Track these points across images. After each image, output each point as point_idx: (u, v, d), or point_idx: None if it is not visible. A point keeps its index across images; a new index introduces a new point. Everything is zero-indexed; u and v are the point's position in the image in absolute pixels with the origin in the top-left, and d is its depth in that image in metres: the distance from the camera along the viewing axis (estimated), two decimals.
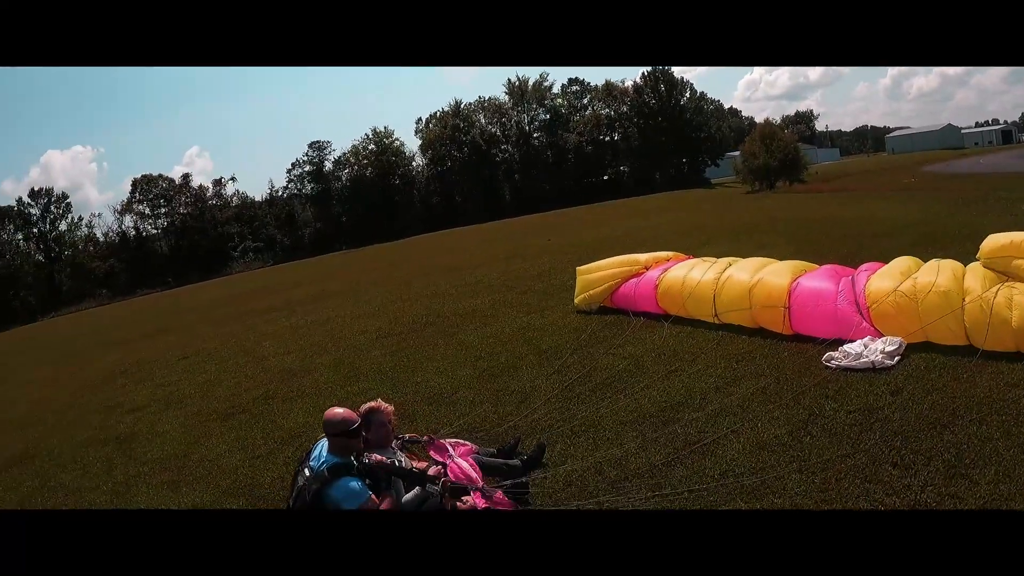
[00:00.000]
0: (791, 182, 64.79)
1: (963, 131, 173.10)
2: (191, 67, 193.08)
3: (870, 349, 9.48)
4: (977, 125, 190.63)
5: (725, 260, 13.48)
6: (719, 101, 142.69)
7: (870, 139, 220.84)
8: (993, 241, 9.70)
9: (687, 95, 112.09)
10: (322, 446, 6.88)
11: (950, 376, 8.56)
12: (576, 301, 15.72)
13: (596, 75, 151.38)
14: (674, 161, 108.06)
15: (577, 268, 16.53)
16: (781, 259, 12.87)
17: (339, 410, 6.97)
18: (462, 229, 74.17)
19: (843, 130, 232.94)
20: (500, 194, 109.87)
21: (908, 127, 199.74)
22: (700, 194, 72.60)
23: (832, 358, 9.62)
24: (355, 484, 6.50)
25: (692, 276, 12.86)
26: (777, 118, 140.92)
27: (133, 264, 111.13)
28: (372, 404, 7.45)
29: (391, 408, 7.57)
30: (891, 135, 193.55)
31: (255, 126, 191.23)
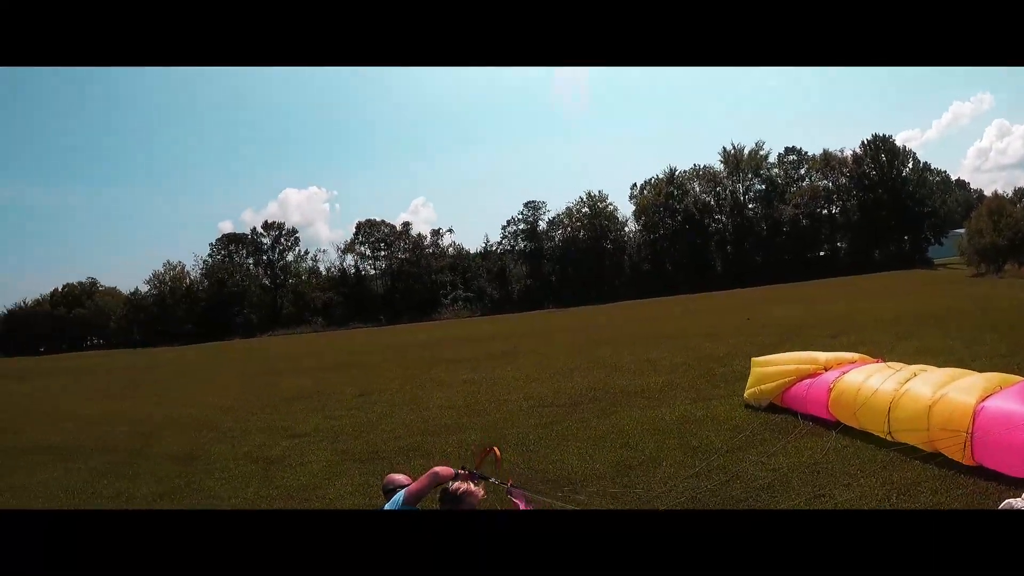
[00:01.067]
0: (1022, 265, 59.74)
1: None
2: (426, 120, 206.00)
3: None
4: None
5: (912, 368, 12.02)
6: (945, 172, 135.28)
7: None
8: None
9: (909, 165, 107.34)
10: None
11: None
12: (745, 395, 14.62)
13: (814, 144, 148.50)
14: (894, 238, 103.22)
15: (753, 359, 15.39)
16: (990, 360, 11.48)
17: (398, 476, 7.97)
18: (666, 299, 73.35)
19: None
20: (711, 265, 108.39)
21: None
22: (918, 276, 68.93)
23: (1012, 507, 7.71)
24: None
25: (869, 384, 11.45)
26: (1009, 190, 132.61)
27: (349, 299, 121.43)
28: (468, 488, 7.15)
29: (481, 495, 7.24)
30: None
31: (477, 182, 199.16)
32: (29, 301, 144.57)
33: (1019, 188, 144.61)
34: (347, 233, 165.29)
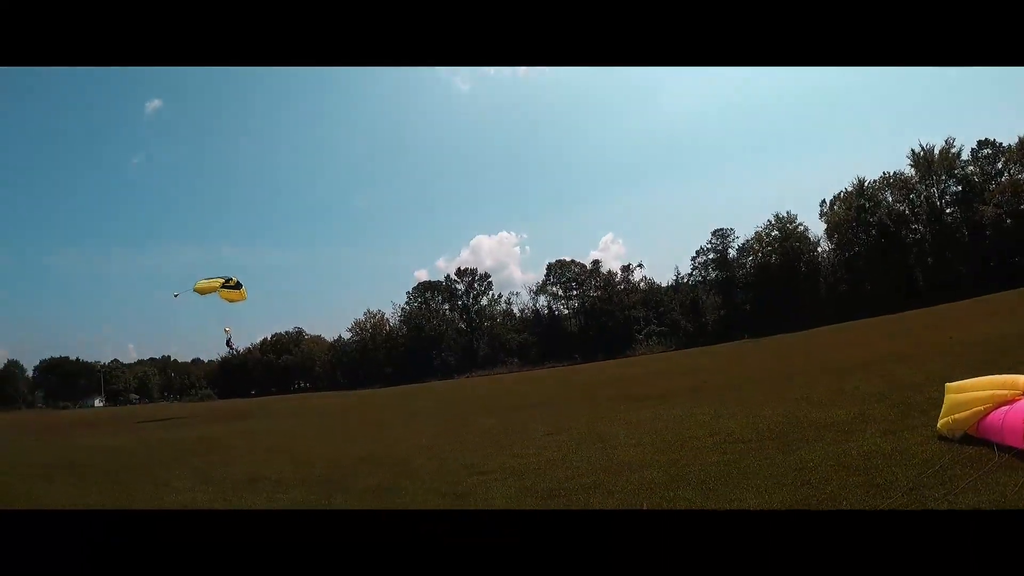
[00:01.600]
0: None
1: None
2: (610, 158, 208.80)
3: None
4: None
5: None
6: None
7: None
8: None
9: None
10: None
11: None
12: (938, 425, 13.75)
13: (1009, 133, 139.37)
14: None
15: (947, 385, 14.38)
16: None
17: None
18: (865, 321, 70.60)
19: None
20: (912, 279, 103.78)
21: None
22: None
23: None
24: None
25: None
26: None
27: (544, 339, 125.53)
28: None
29: None
30: None
31: (664, 214, 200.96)
32: (241, 349, 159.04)
33: None
34: (538, 275, 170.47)
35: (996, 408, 12.49)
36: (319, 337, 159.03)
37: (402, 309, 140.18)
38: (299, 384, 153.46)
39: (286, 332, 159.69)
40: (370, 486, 16.87)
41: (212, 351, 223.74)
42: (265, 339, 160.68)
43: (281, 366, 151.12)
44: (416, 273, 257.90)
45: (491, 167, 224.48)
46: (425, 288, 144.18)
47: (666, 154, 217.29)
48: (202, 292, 58.92)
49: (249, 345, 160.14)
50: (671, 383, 35.31)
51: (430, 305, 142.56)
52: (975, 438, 12.80)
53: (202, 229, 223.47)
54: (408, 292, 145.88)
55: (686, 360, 55.58)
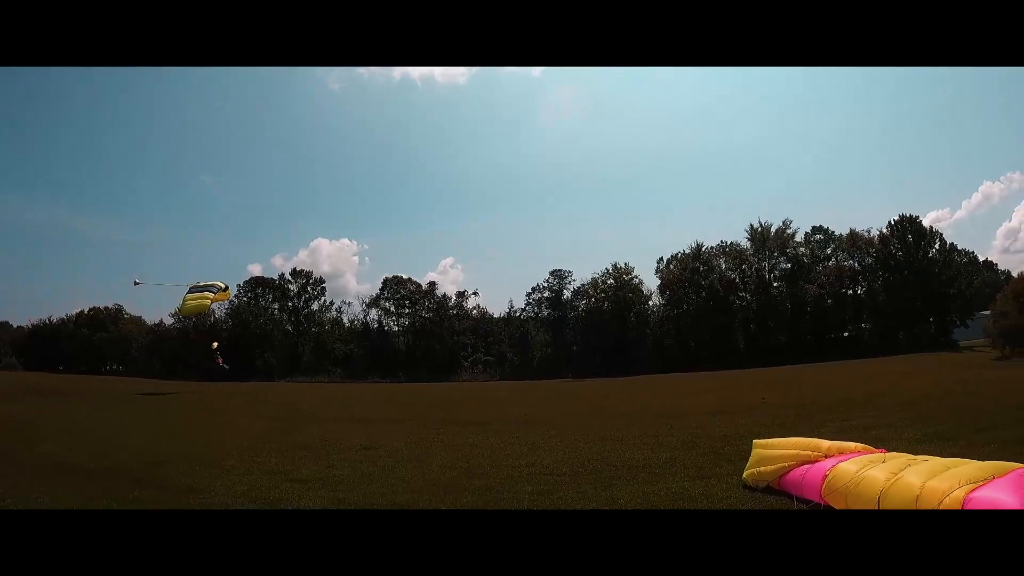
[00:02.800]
0: None
1: None
2: (461, 183, 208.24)
3: None
4: None
5: (909, 458, 12.13)
6: (973, 253, 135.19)
7: None
8: None
9: (936, 246, 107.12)
10: None
11: None
12: (744, 475, 14.53)
13: (840, 223, 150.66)
14: (920, 320, 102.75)
15: (755, 441, 15.36)
16: (1001, 446, 11.43)
17: None
18: (687, 375, 72.84)
19: None
20: (734, 342, 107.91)
21: None
22: (942, 359, 68.01)
23: None
24: None
25: (863, 472, 11.50)
26: None
27: (370, 353, 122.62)
28: None
29: None
30: None
31: (508, 247, 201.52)
32: (55, 319, 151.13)
33: None
34: (374, 288, 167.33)
35: (799, 466, 13.33)
36: (139, 319, 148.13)
37: (231, 302, 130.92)
38: (112, 366, 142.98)
39: (105, 308, 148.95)
40: (179, 485, 16.15)
41: (22, 316, 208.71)
42: (82, 312, 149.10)
43: (95, 343, 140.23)
44: (250, 267, 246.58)
45: (345, 170, 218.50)
46: (257, 284, 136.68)
47: (521, 188, 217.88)
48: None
49: (64, 316, 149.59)
50: (493, 411, 35.51)
51: (260, 302, 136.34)
52: (776, 490, 13.57)
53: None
54: (239, 285, 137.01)
55: (510, 391, 55.92)
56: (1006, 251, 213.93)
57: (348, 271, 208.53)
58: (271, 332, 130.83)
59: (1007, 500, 9.07)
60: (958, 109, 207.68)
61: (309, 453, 21.21)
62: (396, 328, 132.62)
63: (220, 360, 58.68)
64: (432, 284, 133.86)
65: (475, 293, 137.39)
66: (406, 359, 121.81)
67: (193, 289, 56.62)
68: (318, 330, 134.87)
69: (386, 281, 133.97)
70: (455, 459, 19.34)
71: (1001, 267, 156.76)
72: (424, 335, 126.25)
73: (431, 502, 13.75)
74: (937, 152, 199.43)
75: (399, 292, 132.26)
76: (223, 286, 57.39)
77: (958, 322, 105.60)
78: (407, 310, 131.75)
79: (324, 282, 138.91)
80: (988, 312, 75.58)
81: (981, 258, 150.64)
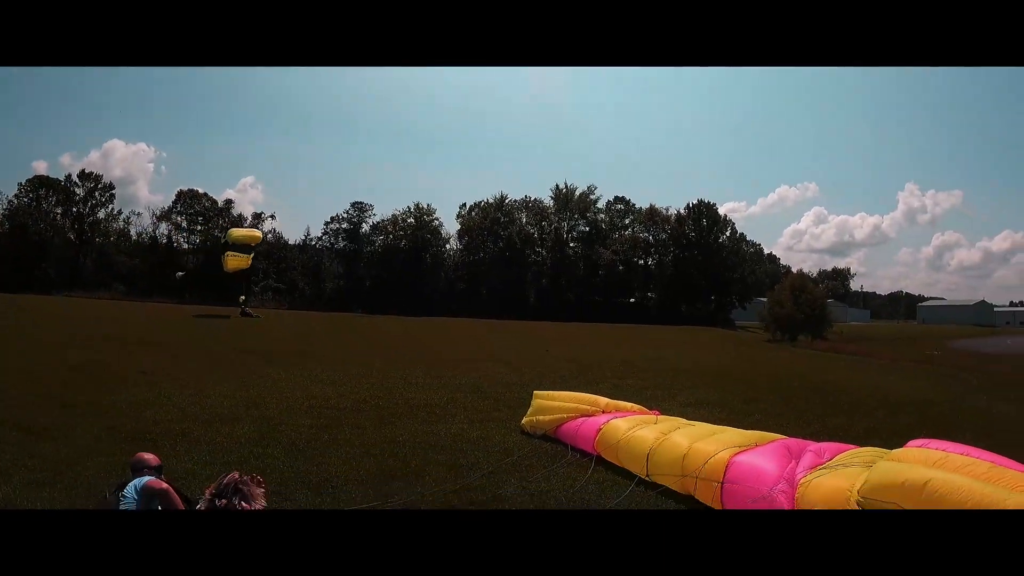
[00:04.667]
0: (814, 337, 63.86)
1: (996, 309, 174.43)
2: (274, 100, 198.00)
3: None
4: (1011, 304, 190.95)
5: (680, 421, 12.71)
6: (760, 245, 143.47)
7: (903, 306, 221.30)
8: (882, 476, 8.11)
9: (727, 233, 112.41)
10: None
11: None
12: (523, 422, 14.87)
13: (642, 198, 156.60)
14: (702, 297, 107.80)
15: (535, 392, 15.74)
16: (763, 416, 12.09)
17: (147, 456, 8.02)
18: (476, 321, 73.34)
19: (878, 292, 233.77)
20: (526, 295, 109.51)
21: (943, 299, 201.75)
22: (718, 334, 72.10)
23: None
24: None
25: (634, 430, 11.94)
26: (814, 272, 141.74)
27: (156, 270, 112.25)
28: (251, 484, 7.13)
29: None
30: (924, 304, 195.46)
31: (309, 173, 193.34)
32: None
33: (823, 271, 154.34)
34: (167, 200, 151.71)
35: (576, 418, 13.72)
36: None
37: (9, 202, 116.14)
38: None
39: None
40: None
41: None
42: None
43: None
44: (35, 164, 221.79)
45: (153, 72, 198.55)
46: (40, 184, 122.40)
47: (336, 117, 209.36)
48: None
49: None
50: (279, 343, 34.23)
51: (42, 205, 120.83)
52: (552, 438, 13.89)
53: None
54: (20, 183, 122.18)
55: (298, 322, 54.60)
56: (789, 249, 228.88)
57: (141, 178, 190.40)
58: (52, 240, 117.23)
59: (766, 466, 9.59)
60: (776, 113, 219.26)
61: (83, 376, 19.60)
62: (187, 246, 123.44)
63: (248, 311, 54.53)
64: (229, 202, 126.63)
65: (272, 216, 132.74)
66: (194, 279, 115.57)
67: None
68: (103, 241, 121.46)
69: (180, 194, 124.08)
70: (235, 389, 18.60)
71: (783, 262, 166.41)
72: (215, 256, 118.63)
73: (207, 433, 13.20)
74: (746, 151, 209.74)
75: (193, 207, 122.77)
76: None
77: (737, 304, 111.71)
78: (199, 227, 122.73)
79: (114, 188, 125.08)
80: (765, 299, 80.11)
81: (766, 251, 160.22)
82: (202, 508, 6.89)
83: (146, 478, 7.30)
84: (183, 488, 7.77)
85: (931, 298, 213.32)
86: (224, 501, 6.86)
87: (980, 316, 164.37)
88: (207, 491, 7.04)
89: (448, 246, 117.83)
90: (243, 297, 55.97)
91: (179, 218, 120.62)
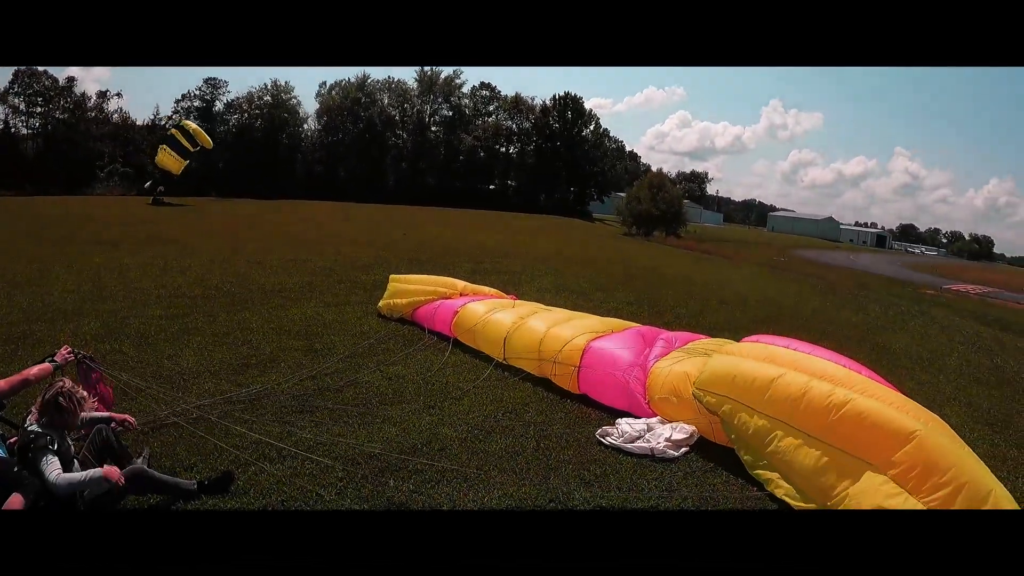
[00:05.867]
0: (667, 234, 65.42)
1: (842, 226, 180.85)
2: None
3: (654, 433, 8.33)
4: (856, 224, 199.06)
5: (536, 307, 12.80)
6: (622, 142, 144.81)
7: (754, 213, 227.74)
8: (715, 369, 8.33)
9: (591, 128, 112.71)
10: None
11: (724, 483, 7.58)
12: (379, 305, 14.77)
13: (507, 86, 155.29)
14: (562, 188, 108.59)
15: (391, 276, 15.56)
16: (616, 305, 12.31)
17: None
18: (334, 204, 72.14)
19: (732, 199, 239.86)
20: (385, 178, 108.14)
21: (792, 211, 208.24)
22: (576, 224, 72.77)
23: (607, 434, 8.44)
24: None
25: (492, 314, 11.97)
26: (673, 172, 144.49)
27: None
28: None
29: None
30: (774, 214, 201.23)
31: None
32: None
33: (682, 172, 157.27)
34: (3, 80, 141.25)
35: (433, 301, 13.68)
36: None
37: None
38: None
39: None
40: None
41: None
42: None
43: None
44: None
45: None
46: None
47: None
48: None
49: None
50: (127, 230, 32.30)
51: None
52: (409, 321, 13.88)
53: None
54: None
55: (142, 208, 52.30)
56: (651, 148, 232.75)
57: None
58: None
59: (621, 352, 9.78)
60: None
61: None
62: (26, 131, 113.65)
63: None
64: (71, 80, 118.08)
65: (118, 94, 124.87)
66: (36, 168, 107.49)
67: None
68: None
69: (18, 74, 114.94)
70: (79, 282, 17.33)
71: (644, 161, 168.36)
72: (57, 141, 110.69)
73: (50, 331, 12.28)
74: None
75: (32, 87, 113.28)
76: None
77: (596, 196, 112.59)
78: (40, 109, 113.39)
79: None
80: (624, 195, 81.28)
81: (628, 148, 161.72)
82: (31, 429, 6.00)
83: None
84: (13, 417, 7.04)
85: (782, 209, 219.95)
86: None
87: (827, 231, 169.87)
88: (31, 416, 6.13)
89: (306, 126, 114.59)
90: (161, 188, 52.79)
91: (18, 100, 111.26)
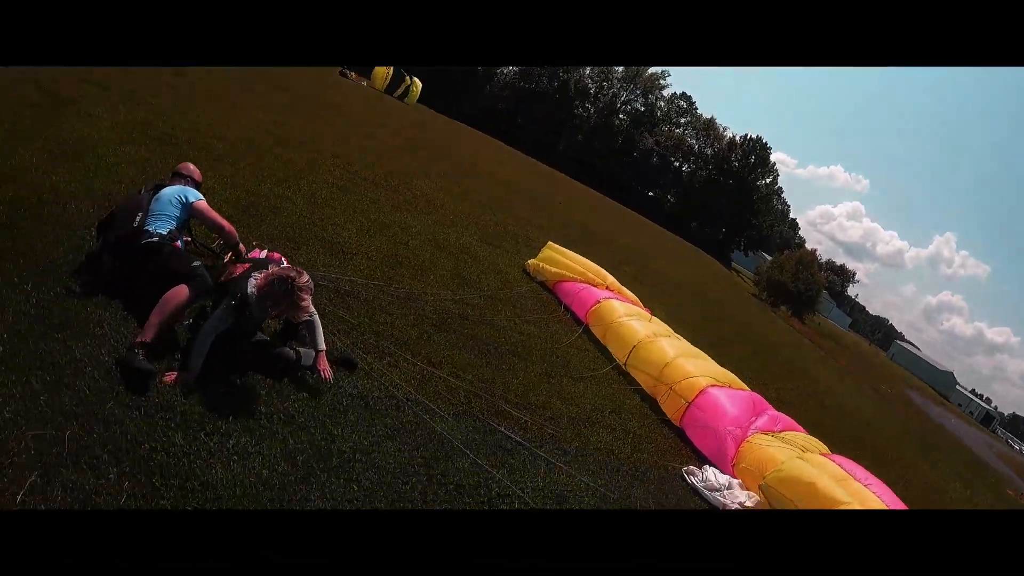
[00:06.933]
0: (793, 314, 64.01)
1: (957, 386, 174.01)
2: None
3: (733, 493, 8.73)
4: (972, 392, 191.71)
5: (668, 329, 13.30)
6: (789, 206, 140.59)
7: (881, 333, 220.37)
8: (791, 472, 8.74)
9: (767, 181, 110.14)
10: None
11: None
12: (528, 262, 15.29)
13: (705, 108, 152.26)
14: (714, 222, 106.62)
15: (549, 242, 15.91)
16: (733, 363, 12.68)
17: (194, 167, 7.63)
18: (499, 143, 71.32)
19: (867, 308, 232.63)
20: (555, 142, 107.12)
21: (918, 348, 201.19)
22: (713, 265, 71.72)
23: (692, 474, 8.94)
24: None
25: (628, 318, 12.50)
26: (823, 258, 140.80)
27: None
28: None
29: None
30: (900, 343, 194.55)
31: None
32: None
33: (831, 261, 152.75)
34: None
35: (579, 281, 14.11)
36: None
37: None
38: None
39: None
40: None
41: None
42: None
43: None
44: None
45: None
46: None
47: None
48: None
49: None
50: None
51: None
52: (548, 288, 14.42)
53: None
54: None
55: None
56: (812, 225, 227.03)
57: None
58: None
59: (731, 408, 10.18)
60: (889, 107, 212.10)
61: None
62: None
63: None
64: None
65: None
66: None
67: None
68: None
69: None
70: (262, 122, 17.19)
71: (801, 233, 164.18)
72: None
73: (231, 157, 12.67)
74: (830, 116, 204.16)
75: None
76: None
77: (742, 247, 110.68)
78: None
79: None
80: (769, 258, 79.46)
81: (792, 216, 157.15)
82: (251, 292, 6.09)
83: (192, 193, 6.92)
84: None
85: (909, 342, 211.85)
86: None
87: (941, 384, 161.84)
88: (257, 278, 6.17)
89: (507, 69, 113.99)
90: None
91: None
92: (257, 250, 7.51)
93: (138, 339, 5.65)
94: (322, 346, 6.62)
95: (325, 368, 6.49)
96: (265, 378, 6.24)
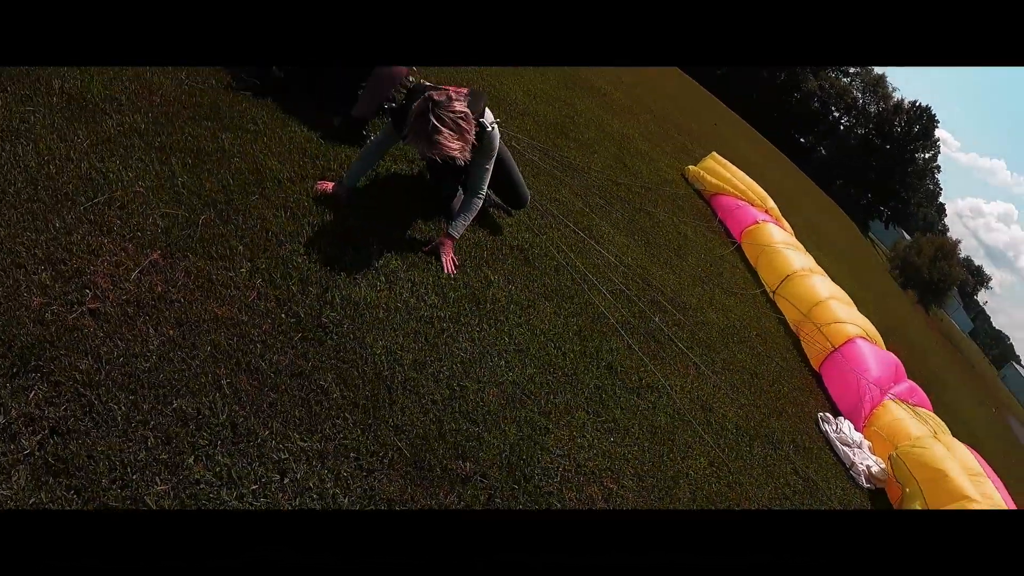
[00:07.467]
0: (919, 300, 61.31)
1: None
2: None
3: (863, 453, 8.22)
4: None
5: (822, 271, 12.38)
6: (941, 190, 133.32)
7: (998, 350, 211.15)
8: (925, 454, 7.95)
9: (926, 155, 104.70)
10: None
11: None
12: (689, 167, 14.59)
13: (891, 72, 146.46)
14: (860, 186, 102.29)
15: (713, 153, 15.23)
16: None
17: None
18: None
19: (992, 319, 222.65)
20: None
21: None
22: (853, 230, 69.37)
23: (827, 420, 8.45)
24: None
25: (786, 247, 11.85)
26: (964, 253, 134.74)
27: None
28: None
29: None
30: (1014, 365, 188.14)
31: None
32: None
33: (969, 259, 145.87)
34: None
35: (739, 199, 13.45)
36: None
37: None
38: None
39: None
40: None
41: None
42: None
43: None
44: None
45: None
46: None
47: None
48: None
49: None
50: None
51: None
52: (704, 197, 13.83)
53: None
54: None
55: None
56: (958, 215, 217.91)
57: None
58: None
59: (874, 365, 9.58)
60: None
61: None
62: None
63: None
64: None
65: None
66: None
67: None
68: None
69: None
70: None
71: (946, 222, 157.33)
72: None
73: None
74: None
75: None
76: None
77: (882, 218, 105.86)
78: None
79: None
80: (909, 238, 76.61)
81: (940, 199, 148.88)
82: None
83: None
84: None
85: None
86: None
87: None
88: (460, 93, 5.01)
89: None
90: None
91: None
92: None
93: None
94: (455, 232, 5.49)
95: (449, 258, 5.44)
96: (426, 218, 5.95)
